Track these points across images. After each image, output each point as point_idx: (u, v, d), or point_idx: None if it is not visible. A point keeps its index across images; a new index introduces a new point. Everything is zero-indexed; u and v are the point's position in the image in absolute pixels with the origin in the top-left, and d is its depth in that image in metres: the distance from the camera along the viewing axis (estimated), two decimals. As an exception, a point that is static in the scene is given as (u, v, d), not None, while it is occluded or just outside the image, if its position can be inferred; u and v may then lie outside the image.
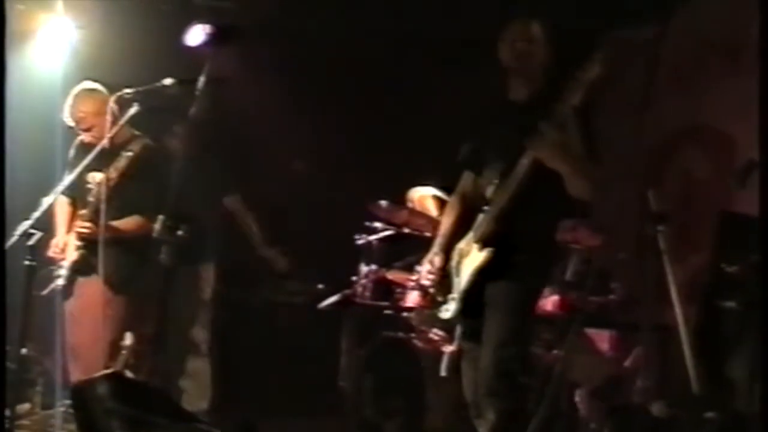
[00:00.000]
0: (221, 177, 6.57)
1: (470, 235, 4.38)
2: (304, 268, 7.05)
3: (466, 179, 4.61)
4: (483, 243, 4.28)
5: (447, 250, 4.48)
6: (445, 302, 4.43)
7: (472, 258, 4.32)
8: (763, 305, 3.69)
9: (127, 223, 5.47)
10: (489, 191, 4.32)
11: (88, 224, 5.33)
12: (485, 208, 4.31)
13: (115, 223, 5.39)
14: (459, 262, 4.41)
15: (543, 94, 4.29)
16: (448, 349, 4.93)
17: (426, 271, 4.49)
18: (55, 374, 5.73)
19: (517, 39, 4.34)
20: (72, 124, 5.54)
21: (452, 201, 4.69)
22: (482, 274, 4.27)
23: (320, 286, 6.71)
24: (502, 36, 4.39)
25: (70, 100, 5.56)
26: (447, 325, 4.88)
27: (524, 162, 4.15)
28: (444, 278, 4.44)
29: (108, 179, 5.25)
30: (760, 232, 3.56)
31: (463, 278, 4.36)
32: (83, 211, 5.35)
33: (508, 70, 4.39)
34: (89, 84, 5.64)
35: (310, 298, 6.65)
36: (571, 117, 4.08)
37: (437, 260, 4.47)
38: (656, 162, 6.65)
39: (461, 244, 4.41)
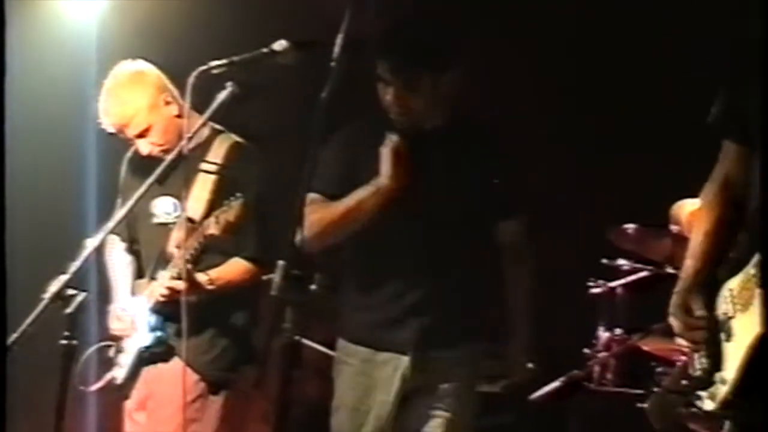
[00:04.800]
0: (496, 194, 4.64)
1: (749, 270, 3.17)
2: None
3: (730, 155, 3.49)
4: None
5: (704, 287, 3.34)
6: (709, 383, 3.25)
7: (752, 314, 3.12)
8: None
9: (228, 272, 4.20)
10: None
11: (170, 282, 4.08)
12: None
13: (208, 276, 4.11)
14: (730, 317, 3.23)
15: None
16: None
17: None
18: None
19: None
20: (113, 130, 4.27)
21: (710, 193, 3.47)
22: None
23: (530, 365, 5.38)
24: None
25: (104, 95, 4.28)
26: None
27: None
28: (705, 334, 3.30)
29: (204, 232, 4.05)
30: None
31: (738, 347, 3.19)
32: (173, 268, 4.11)
33: None
34: (130, 65, 4.35)
35: (518, 383, 5.36)
36: None
37: (696, 303, 3.32)
38: None
39: (733, 283, 3.23)
